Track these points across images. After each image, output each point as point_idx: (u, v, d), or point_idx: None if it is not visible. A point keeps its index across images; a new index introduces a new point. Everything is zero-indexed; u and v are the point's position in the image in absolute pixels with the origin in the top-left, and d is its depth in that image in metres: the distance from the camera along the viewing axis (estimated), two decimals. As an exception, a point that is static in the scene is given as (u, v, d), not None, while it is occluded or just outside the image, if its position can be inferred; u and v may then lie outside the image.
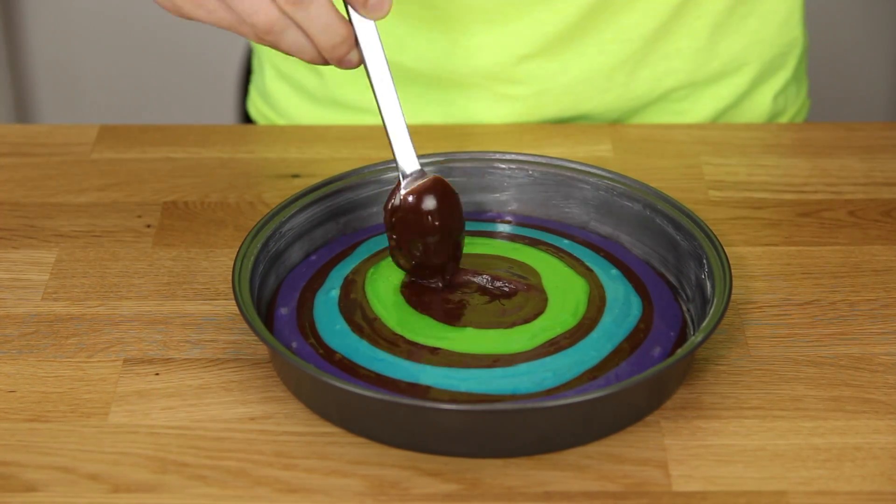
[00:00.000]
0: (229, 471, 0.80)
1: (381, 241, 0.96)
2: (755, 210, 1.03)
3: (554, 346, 0.86)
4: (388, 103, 0.87)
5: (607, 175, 0.97)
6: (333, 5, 0.84)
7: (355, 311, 0.89)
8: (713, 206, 1.03)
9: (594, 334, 0.87)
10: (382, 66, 0.86)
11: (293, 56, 0.85)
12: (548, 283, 0.91)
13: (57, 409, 0.84)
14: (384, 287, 0.91)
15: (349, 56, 0.86)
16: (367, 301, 0.89)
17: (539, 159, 0.99)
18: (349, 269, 0.93)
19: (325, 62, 0.86)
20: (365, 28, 0.86)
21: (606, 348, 0.86)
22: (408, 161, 0.89)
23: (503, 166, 0.99)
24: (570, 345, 0.86)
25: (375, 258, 0.94)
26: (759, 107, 1.19)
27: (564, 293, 0.90)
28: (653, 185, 0.98)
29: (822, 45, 2.17)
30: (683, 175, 1.07)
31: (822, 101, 2.21)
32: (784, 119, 1.22)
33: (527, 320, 0.88)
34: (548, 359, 0.85)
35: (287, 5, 0.82)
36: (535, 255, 0.94)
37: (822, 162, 1.08)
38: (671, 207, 0.94)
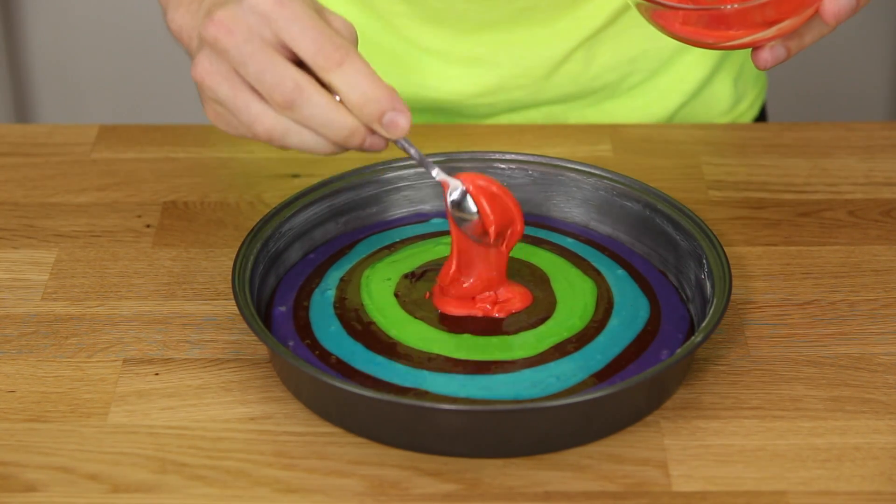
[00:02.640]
0: (229, 471, 0.80)
1: (380, 240, 0.96)
2: (755, 210, 1.03)
3: (559, 352, 0.85)
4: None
5: (607, 175, 0.97)
6: (331, 98, 0.79)
7: (350, 313, 0.89)
8: (713, 205, 1.03)
9: (601, 338, 0.87)
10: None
11: (310, 153, 0.82)
12: (557, 285, 0.91)
13: (56, 409, 0.84)
14: (379, 289, 0.90)
15: (368, 143, 0.81)
16: (362, 303, 0.89)
17: (539, 159, 0.99)
18: (346, 269, 0.93)
19: (346, 150, 0.82)
20: None
21: (613, 352, 0.86)
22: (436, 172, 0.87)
23: (503, 166, 0.99)
24: (577, 349, 0.86)
25: (372, 258, 0.94)
26: (720, 93, 1.20)
27: (573, 296, 0.90)
28: (653, 185, 0.98)
29: (821, 45, 2.17)
30: (683, 175, 1.07)
31: (822, 101, 2.22)
32: (745, 103, 1.22)
33: (532, 325, 0.88)
34: (552, 364, 0.84)
35: (281, 110, 0.80)
36: (540, 256, 0.94)
37: (822, 162, 1.08)
38: (671, 207, 0.94)
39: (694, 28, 0.84)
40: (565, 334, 0.87)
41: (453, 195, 0.87)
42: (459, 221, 0.87)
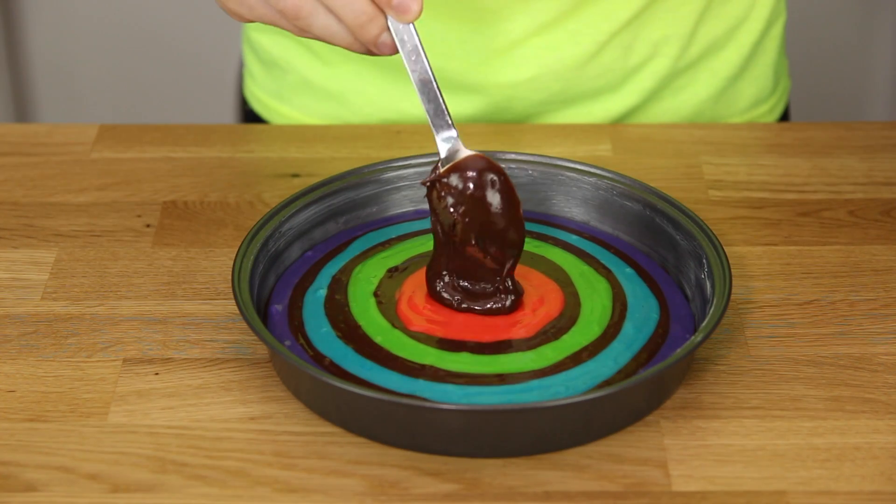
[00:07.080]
0: (229, 470, 0.80)
1: (376, 238, 0.96)
2: (755, 210, 1.03)
3: (573, 360, 0.85)
4: (421, 76, 0.86)
5: (607, 175, 0.97)
6: None
7: (339, 314, 0.88)
8: (713, 205, 1.03)
9: (615, 343, 0.86)
10: (415, 44, 0.85)
11: (330, 43, 0.85)
12: (577, 283, 0.90)
13: (56, 408, 0.84)
14: (363, 290, 0.90)
15: (382, 38, 0.85)
16: (349, 305, 0.89)
17: (539, 159, 0.99)
18: (338, 268, 0.92)
19: (362, 48, 0.85)
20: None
21: (625, 356, 0.85)
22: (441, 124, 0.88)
23: (503, 166, 0.98)
24: (591, 356, 0.85)
25: (365, 255, 0.93)
26: (744, 91, 1.19)
27: (592, 296, 0.89)
28: (653, 184, 0.98)
29: (822, 45, 2.17)
30: (683, 175, 1.07)
31: (822, 100, 2.22)
32: (769, 103, 1.22)
33: (556, 335, 0.87)
34: (563, 374, 0.84)
35: None
36: (551, 251, 0.93)
37: (822, 162, 1.08)
38: (671, 207, 0.94)
39: None
40: (584, 342, 0.86)
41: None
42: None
